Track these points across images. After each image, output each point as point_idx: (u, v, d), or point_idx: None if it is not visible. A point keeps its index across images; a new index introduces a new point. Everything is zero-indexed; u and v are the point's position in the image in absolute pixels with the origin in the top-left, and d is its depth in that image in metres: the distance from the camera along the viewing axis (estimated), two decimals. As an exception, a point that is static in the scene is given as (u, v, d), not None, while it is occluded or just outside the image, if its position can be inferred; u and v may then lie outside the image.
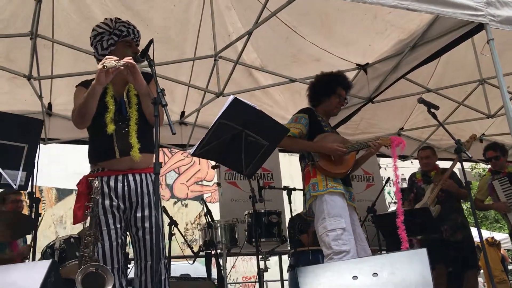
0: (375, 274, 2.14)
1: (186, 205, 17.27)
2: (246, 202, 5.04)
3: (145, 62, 2.44)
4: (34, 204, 3.10)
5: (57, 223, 14.71)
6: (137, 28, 2.73)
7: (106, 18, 2.69)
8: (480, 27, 3.42)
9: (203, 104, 4.89)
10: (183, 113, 5.41)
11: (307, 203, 3.09)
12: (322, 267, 2.38)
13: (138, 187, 2.49)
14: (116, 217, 2.47)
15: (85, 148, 2.79)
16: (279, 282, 5.26)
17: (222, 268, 3.88)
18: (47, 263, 1.58)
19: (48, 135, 5.03)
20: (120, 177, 2.49)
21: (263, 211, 4.14)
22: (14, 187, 2.07)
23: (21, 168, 2.09)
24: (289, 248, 4.91)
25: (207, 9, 4.45)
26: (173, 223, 4.18)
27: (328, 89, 3.45)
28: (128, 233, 2.53)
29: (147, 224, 2.46)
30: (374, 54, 4.60)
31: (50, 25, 4.15)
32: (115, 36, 2.61)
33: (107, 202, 2.41)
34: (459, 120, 5.77)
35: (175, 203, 16.92)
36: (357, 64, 4.76)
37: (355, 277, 2.16)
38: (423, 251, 2.20)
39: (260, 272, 3.81)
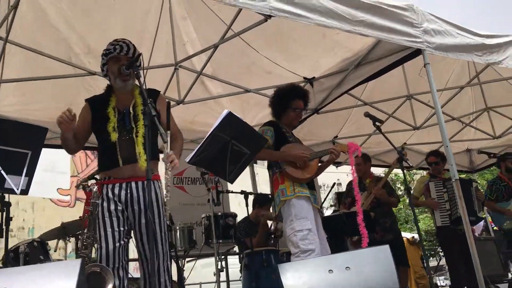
0: (347, 268, 2.47)
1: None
2: (194, 206, 5.23)
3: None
4: (5, 208, 3.07)
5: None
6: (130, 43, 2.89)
7: None
8: (417, 52, 3.93)
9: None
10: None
11: (277, 207, 3.37)
12: (301, 263, 2.67)
13: (141, 194, 2.65)
14: (120, 220, 2.62)
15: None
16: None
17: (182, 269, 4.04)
18: (78, 262, 1.71)
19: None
20: (124, 185, 2.65)
21: (220, 213, 4.35)
22: (17, 191, 2.13)
23: (23, 174, 2.15)
24: (236, 250, 5.16)
25: (163, 18, 4.60)
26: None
27: (282, 104, 3.74)
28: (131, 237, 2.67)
29: (144, 230, 2.62)
30: (320, 69, 5.00)
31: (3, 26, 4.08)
32: (105, 56, 2.82)
33: (112, 207, 2.57)
34: (388, 131, 6.36)
35: (98, 207, 16.43)
36: (304, 78, 5.13)
37: (330, 271, 2.47)
38: (386, 248, 2.57)
39: (218, 272, 4.02)
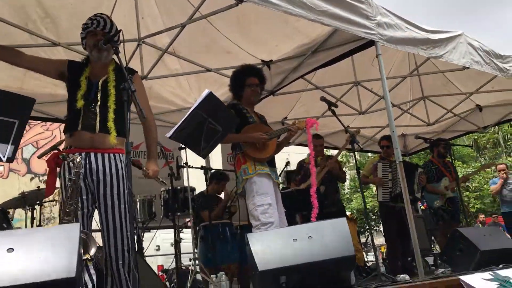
0: (310, 237, 2.76)
1: (44, 181, 16.18)
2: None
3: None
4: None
5: None
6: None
7: None
8: (371, 43, 4.25)
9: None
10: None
11: (240, 185, 3.60)
12: (268, 233, 2.93)
13: (100, 166, 2.73)
14: (83, 189, 2.70)
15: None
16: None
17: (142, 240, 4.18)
18: (77, 225, 1.85)
19: None
20: (83, 154, 2.72)
21: (179, 187, 4.51)
22: (3, 159, 2.19)
23: (10, 142, 2.21)
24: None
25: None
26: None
27: (239, 83, 3.94)
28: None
29: (109, 202, 2.72)
30: (278, 53, 5.21)
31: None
32: (83, 31, 2.95)
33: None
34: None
35: (32, 178, 15.85)
36: (262, 60, 5.32)
37: (295, 240, 2.75)
38: (343, 220, 2.88)
39: (177, 244, 4.21)
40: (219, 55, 5.26)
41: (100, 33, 2.88)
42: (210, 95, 2.65)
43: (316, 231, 2.77)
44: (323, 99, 4.32)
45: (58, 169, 2.77)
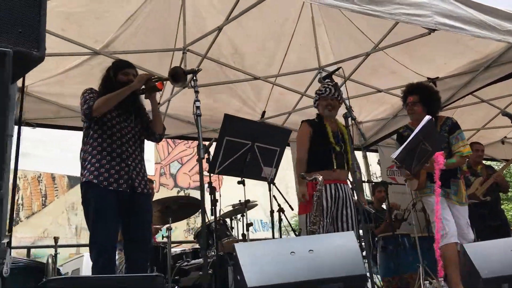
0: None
1: (189, 194, 17.76)
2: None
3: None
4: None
5: (69, 209, 15.06)
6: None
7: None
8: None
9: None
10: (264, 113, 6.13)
11: None
12: (485, 244, 3.17)
13: (340, 192, 3.43)
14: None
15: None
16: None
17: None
18: (352, 233, 2.30)
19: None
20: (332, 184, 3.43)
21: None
22: (268, 179, 2.75)
23: (273, 165, 2.77)
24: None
25: (300, 24, 5.16)
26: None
27: (403, 104, 4.20)
28: None
29: (345, 218, 3.38)
30: (446, 70, 5.38)
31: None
32: (317, 95, 3.77)
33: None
34: (497, 126, 6.70)
35: (178, 192, 17.50)
36: (428, 78, 5.52)
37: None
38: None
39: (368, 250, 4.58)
40: (384, 76, 5.58)
41: (330, 98, 3.70)
42: (430, 121, 3.00)
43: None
44: (505, 113, 4.40)
45: None
